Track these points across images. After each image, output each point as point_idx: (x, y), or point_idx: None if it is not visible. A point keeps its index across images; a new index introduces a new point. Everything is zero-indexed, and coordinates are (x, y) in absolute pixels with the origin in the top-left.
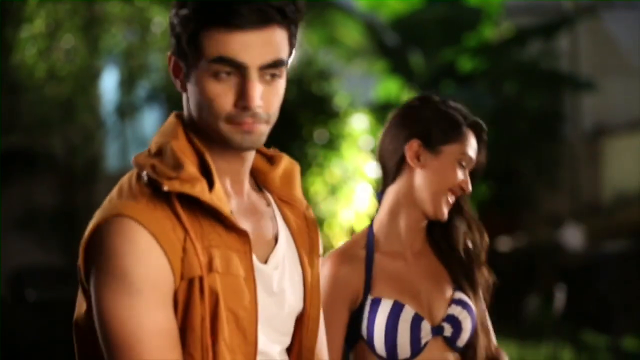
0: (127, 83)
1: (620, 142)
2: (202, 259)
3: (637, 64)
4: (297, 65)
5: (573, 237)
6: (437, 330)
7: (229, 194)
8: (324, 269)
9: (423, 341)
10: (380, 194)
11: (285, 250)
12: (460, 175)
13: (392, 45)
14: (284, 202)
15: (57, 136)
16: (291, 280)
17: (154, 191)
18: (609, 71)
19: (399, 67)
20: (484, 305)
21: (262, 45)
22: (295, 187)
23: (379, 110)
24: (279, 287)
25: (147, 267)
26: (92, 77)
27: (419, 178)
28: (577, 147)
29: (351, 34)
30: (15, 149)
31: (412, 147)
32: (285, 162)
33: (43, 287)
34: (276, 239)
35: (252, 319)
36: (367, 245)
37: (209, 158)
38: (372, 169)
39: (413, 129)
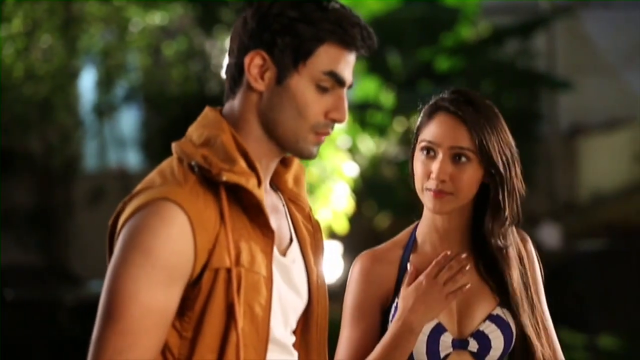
0: (105, 82)
1: (596, 142)
2: (232, 252)
3: (613, 64)
4: None
5: (549, 235)
6: (459, 344)
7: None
8: (355, 268)
9: (442, 354)
10: None
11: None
12: (422, 164)
13: None
14: (292, 202)
15: (35, 135)
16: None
17: (200, 180)
18: (586, 71)
19: (376, 66)
20: (544, 320)
21: (351, 67)
22: (303, 188)
23: (357, 110)
24: (297, 280)
25: (171, 251)
26: (70, 77)
27: None
28: (553, 147)
29: None
30: None
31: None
32: (296, 164)
33: (21, 286)
34: (291, 237)
35: (265, 316)
36: (406, 244)
37: (252, 156)
38: (350, 168)
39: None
